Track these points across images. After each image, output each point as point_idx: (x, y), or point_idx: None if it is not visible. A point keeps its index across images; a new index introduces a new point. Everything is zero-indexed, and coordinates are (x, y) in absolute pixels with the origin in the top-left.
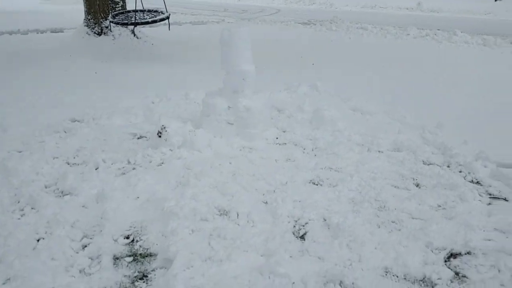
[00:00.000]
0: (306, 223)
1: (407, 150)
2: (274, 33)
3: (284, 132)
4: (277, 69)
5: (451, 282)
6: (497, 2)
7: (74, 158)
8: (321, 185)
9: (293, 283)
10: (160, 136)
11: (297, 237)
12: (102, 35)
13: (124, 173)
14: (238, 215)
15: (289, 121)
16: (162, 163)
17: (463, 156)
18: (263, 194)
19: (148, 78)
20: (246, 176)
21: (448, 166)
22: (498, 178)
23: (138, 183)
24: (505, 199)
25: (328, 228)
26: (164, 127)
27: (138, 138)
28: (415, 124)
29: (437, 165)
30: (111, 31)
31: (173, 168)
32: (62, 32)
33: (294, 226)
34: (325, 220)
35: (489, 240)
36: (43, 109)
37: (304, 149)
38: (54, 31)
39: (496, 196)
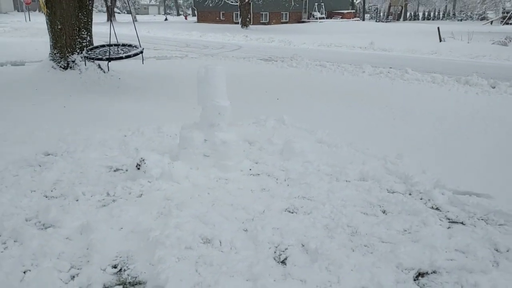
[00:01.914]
0: (286, 249)
1: (372, 180)
2: (238, 69)
3: (256, 163)
4: (245, 103)
5: None
6: (442, 42)
7: (52, 191)
8: (296, 213)
9: None
10: (139, 168)
11: (278, 262)
12: (68, 69)
13: (105, 205)
14: (221, 242)
15: (261, 153)
16: (142, 194)
17: (423, 185)
18: (243, 222)
19: (118, 111)
20: (225, 206)
21: (410, 194)
22: (455, 205)
23: (121, 214)
24: (462, 223)
25: (307, 252)
26: (143, 160)
27: (115, 171)
28: (377, 155)
29: (400, 193)
30: (85, 66)
31: (154, 199)
32: (24, 65)
33: (275, 252)
34: (303, 245)
35: (452, 260)
36: (14, 143)
37: (277, 179)
38: (14, 64)
39: (455, 221)
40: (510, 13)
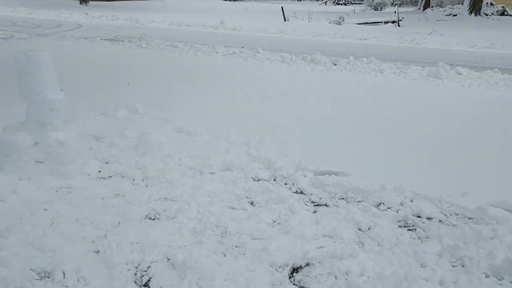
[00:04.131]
0: (148, 267)
1: (237, 169)
2: (78, 51)
3: (107, 163)
4: (88, 92)
5: None
6: (286, 22)
7: None
8: (158, 219)
9: None
10: None
11: (140, 286)
12: None
13: None
14: (64, 274)
15: (112, 150)
16: None
17: (286, 169)
18: (93, 242)
19: None
20: (68, 222)
21: (275, 180)
22: (317, 186)
23: None
24: (326, 205)
25: (174, 267)
26: None
27: None
28: (239, 141)
29: (266, 180)
30: None
31: None
32: None
33: (136, 274)
34: (168, 259)
35: (322, 247)
36: None
37: (133, 180)
38: None
39: (319, 203)
40: None
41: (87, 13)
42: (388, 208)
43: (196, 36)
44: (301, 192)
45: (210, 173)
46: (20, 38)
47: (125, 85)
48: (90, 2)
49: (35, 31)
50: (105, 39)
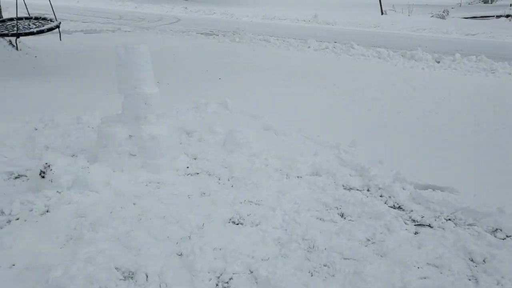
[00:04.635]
0: (230, 279)
1: (326, 174)
2: (175, 44)
3: (195, 159)
4: (181, 85)
5: None
6: (383, 15)
7: None
8: (242, 223)
9: None
10: (43, 177)
11: None
12: None
13: None
14: (147, 276)
15: (200, 146)
16: (47, 211)
17: (382, 178)
18: (177, 243)
19: (30, 97)
20: (155, 219)
21: (368, 190)
22: (418, 202)
23: (14, 243)
24: (429, 226)
25: (256, 282)
26: (49, 165)
27: (16, 178)
28: (329, 143)
29: (358, 189)
30: None
31: (62, 217)
32: None
33: (217, 285)
34: (251, 272)
35: (425, 278)
36: None
37: (219, 179)
38: None
39: (421, 223)
40: None
41: (186, 7)
42: (507, 236)
43: (289, 30)
44: (400, 208)
45: (297, 176)
46: (125, 31)
47: (217, 79)
48: None
49: (139, 24)
50: (201, 33)
